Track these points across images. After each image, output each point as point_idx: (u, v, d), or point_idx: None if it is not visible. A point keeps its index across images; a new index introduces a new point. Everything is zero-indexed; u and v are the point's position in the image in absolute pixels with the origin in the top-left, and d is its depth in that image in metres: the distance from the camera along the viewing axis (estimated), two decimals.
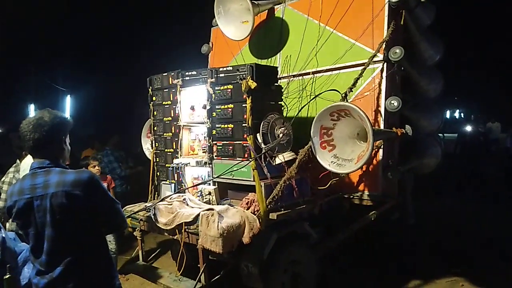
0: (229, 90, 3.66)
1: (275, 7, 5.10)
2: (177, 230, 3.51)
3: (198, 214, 3.39)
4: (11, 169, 4.66)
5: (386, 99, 4.00)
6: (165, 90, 4.33)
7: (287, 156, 3.61)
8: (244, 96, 3.51)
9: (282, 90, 3.99)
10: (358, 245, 4.84)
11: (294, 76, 4.63)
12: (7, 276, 2.08)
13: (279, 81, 4.10)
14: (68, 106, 12.67)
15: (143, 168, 6.02)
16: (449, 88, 5.17)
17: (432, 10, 4.77)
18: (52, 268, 1.93)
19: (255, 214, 3.44)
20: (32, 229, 1.96)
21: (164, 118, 4.38)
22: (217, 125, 3.79)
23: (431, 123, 4.82)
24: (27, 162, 3.75)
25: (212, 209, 3.41)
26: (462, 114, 24.55)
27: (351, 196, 4.21)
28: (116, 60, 11.77)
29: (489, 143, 12.11)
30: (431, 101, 4.96)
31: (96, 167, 4.61)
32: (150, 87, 4.48)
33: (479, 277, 4.38)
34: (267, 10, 5.13)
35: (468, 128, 13.75)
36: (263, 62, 4.96)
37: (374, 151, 3.92)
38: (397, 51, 3.89)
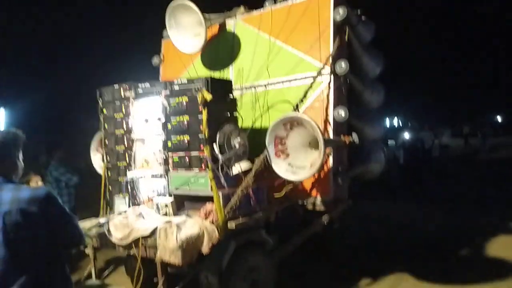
0: (184, 102, 3.69)
1: (227, 21, 5.22)
2: (133, 245, 3.44)
3: (156, 227, 3.36)
4: None
5: (334, 109, 4.25)
6: (116, 102, 4.25)
7: (243, 165, 3.71)
8: (200, 108, 3.56)
9: (237, 102, 4.10)
10: (308, 249, 5.03)
11: (247, 88, 4.75)
12: None
13: (233, 93, 4.20)
14: (1, 119, 11.78)
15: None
16: (389, 97, 5.59)
17: (372, 27, 5.16)
18: None
19: (213, 224, 3.48)
20: None
21: (116, 131, 4.28)
22: (172, 137, 3.80)
23: (375, 131, 5.18)
24: None
25: (170, 221, 3.39)
26: (400, 122, 26.31)
27: (305, 202, 4.39)
28: (57, 71, 11.23)
29: (424, 150, 13.10)
30: (374, 110, 5.33)
31: (39, 182, 4.39)
32: (100, 99, 4.37)
33: (423, 273, 4.71)
34: (218, 24, 5.23)
35: (406, 135, 14.82)
36: (216, 74, 5.04)
37: (325, 158, 4.14)
38: (343, 64, 4.16)
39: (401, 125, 24.46)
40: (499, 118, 31.87)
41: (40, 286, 1.92)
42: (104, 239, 3.67)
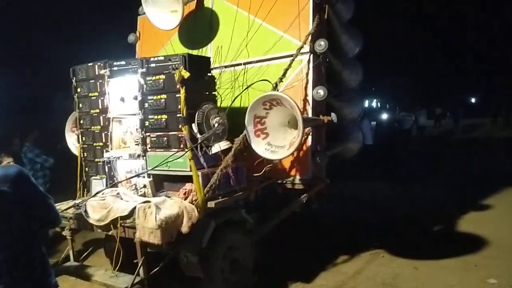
0: (161, 80, 3.61)
1: None
2: (112, 225, 3.40)
3: (135, 207, 3.33)
4: None
5: (313, 88, 4.25)
6: (91, 81, 4.12)
7: (223, 145, 3.68)
8: (178, 86, 3.49)
9: (215, 81, 4.04)
10: (288, 227, 5.12)
11: (226, 67, 4.69)
12: None
13: (211, 71, 4.14)
14: None
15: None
16: (367, 79, 5.63)
17: (352, 6, 5.14)
18: None
19: (193, 204, 3.47)
20: None
21: (91, 111, 4.17)
22: (150, 116, 3.73)
23: (353, 111, 5.23)
24: None
25: (148, 201, 3.37)
26: (378, 104, 26.69)
27: (284, 181, 4.43)
28: (31, 49, 10.74)
29: (403, 131, 13.38)
30: (353, 90, 5.37)
31: (11, 163, 4.24)
32: (74, 78, 4.23)
33: (397, 248, 4.89)
34: (196, 0, 5.09)
35: (384, 116, 15.08)
36: (194, 52, 4.93)
37: (304, 137, 4.16)
38: (322, 43, 4.15)
39: (379, 107, 24.88)
40: (473, 100, 32.80)
41: (17, 263, 1.90)
42: (81, 221, 3.62)
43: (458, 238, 5.39)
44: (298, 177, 4.39)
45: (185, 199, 3.55)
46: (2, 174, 1.84)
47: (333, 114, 4.55)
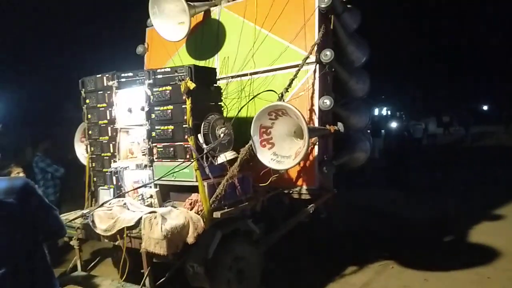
0: (167, 91, 3.65)
1: (211, 9, 5.15)
2: (118, 236, 3.42)
3: (141, 218, 3.34)
4: None
5: (319, 98, 4.25)
6: (99, 92, 4.18)
7: (228, 155, 3.69)
8: (184, 97, 3.52)
9: (221, 91, 4.07)
10: (295, 237, 5.08)
11: (232, 77, 4.72)
12: None
13: (218, 82, 4.17)
14: None
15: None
16: (376, 87, 5.61)
17: (358, 15, 5.15)
18: None
19: (199, 214, 3.47)
20: None
21: (100, 121, 4.23)
22: (156, 127, 3.76)
23: (360, 120, 5.20)
24: None
25: (154, 212, 3.38)
26: (389, 112, 26.50)
27: (291, 191, 4.41)
28: (41, 61, 10.98)
29: (413, 140, 13.23)
30: (360, 99, 5.35)
31: (21, 174, 4.31)
32: (83, 89, 4.30)
33: (407, 259, 4.80)
34: (203, 12, 5.16)
35: (394, 124, 14.96)
36: (201, 63, 4.99)
37: (310, 147, 4.14)
38: (328, 53, 4.15)
39: (389, 115, 24.67)
40: (484, 107, 32.38)
41: (20, 277, 1.89)
42: (89, 231, 3.64)
43: (470, 249, 5.28)
44: (304, 187, 4.37)
45: (191, 209, 3.56)
46: (8, 186, 1.85)
47: (340, 124, 4.53)
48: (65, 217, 3.88)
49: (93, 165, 4.35)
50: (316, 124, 4.30)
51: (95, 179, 4.34)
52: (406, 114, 14.98)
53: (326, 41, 4.33)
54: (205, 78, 3.76)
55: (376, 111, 23.36)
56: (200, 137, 3.56)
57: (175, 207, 3.60)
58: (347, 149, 4.94)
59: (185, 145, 3.61)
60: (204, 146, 3.56)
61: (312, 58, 4.27)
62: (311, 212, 4.40)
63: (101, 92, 4.16)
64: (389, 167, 10.27)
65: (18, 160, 6.01)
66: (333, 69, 4.46)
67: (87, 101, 4.29)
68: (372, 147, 5.73)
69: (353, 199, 7.29)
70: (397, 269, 4.67)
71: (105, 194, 4.16)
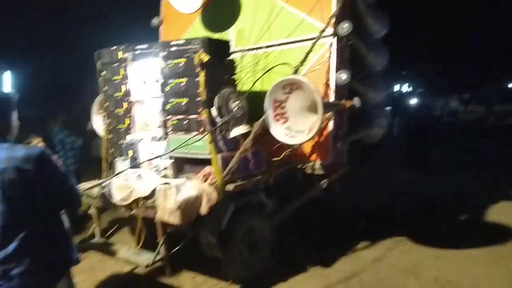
0: (181, 64, 3.64)
1: None
2: (134, 205, 3.52)
3: (155, 188, 3.42)
4: None
5: (335, 72, 4.16)
6: (114, 65, 4.20)
7: (242, 129, 3.70)
8: (198, 70, 3.51)
9: (236, 65, 4.03)
10: (309, 212, 5.12)
11: (247, 50, 4.66)
12: None
13: (232, 55, 4.12)
14: (7, 84, 11.77)
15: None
16: (396, 62, 5.45)
17: None
18: (6, 244, 1.91)
19: (212, 186, 3.53)
20: None
21: (115, 94, 4.27)
22: (170, 100, 3.78)
23: (377, 95, 5.09)
24: None
25: (169, 183, 3.45)
26: (410, 88, 25.82)
27: (304, 166, 4.41)
28: (60, 34, 11.08)
29: (432, 118, 12.90)
30: (378, 74, 5.22)
31: (40, 144, 4.43)
32: (99, 62, 4.33)
33: (420, 237, 4.79)
34: None
35: (413, 101, 14.58)
36: (216, 35, 4.92)
37: (324, 122, 4.11)
38: (345, 25, 4.02)
39: (410, 91, 24.04)
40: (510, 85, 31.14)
41: (39, 241, 1.99)
42: (106, 200, 3.76)
43: (486, 228, 5.21)
44: (318, 162, 4.36)
45: (205, 181, 3.61)
46: (25, 154, 1.92)
47: (356, 99, 4.44)
48: (83, 186, 4.00)
49: (110, 136, 4.44)
50: (332, 99, 4.23)
51: (111, 150, 4.44)
52: (427, 90, 14.55)
53: (343, 13, 4.19)
54: (219, 50, 3.73)
55: (396, 88, 22.81)
56: (214, 110, 3.56)
57: (189, 179, 3.66)
58: (363, 124, 4.87)
59: (199, 118, 3.63)
60: (218, 119, 3.57)
61: (329, 30, 4.15)
62: (324, 187, 4.40)
63: (116, 64, 4.17)
64: (406, 144, 10.11)
65: (38, 131, 6.18)
66: (350, 42, 4.34)
67: (103, 73, 4.32)
68: (391, 124, 5.64)
69: (368, 175, 7.25)
70: (409, 246, 4.67)
71: (121, 165, 4.25)
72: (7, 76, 12.08)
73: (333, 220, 5.53)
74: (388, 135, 5.34)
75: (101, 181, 4.05)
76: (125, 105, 4.20)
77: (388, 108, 12.63)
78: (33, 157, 1.92)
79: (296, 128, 3.72)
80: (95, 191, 3.89)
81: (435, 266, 4.13)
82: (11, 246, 1.91)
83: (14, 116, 2.09)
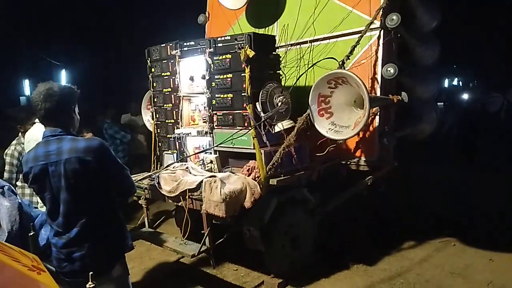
0: (227, 59, 3.70)
1: None
2: (181, 197, 3.65)
3: (201, 181, 3.52)
4: (14, 142, 4.74)
5: (382, 66, 4.05)
6: (163, 61, 4.36)
7: (286, 124, 3.71)
8: (243, 66, 3.56)
9: (280, 59, 4.04)
10: (353, 209, 5.03)
11: (292, 45, 4.64)
12: (32, 234, 2.25)
13: (277, 50, 4.13)
14: (63, 81, 12.58)
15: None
16: (447, 56, 5.17)
17: None
18: (69, 229, 2.07)
19: (256, 181, 3.57)
20: (48, 193, 2.08)
21: (164, 89, 4.43)
22: (216, 95, 3.86)
23: (427, 90, 4.87)
24: (31, 134, 3.83)
25: (214, 176, 3.54)
26: (460, 83, 24.42)
27: (348, 162, 4.34)
28: (112, 32, 11.63)
29: (488, 114, 12.10)
30: (428, 68, 4.99)
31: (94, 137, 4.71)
32: (149, 59, 4.51)
33: (471, 239, 4.57)
34: None
35: (466, 96, 13.76)
36: (261, 31, 4.95)
37: (370, 117, 4.00)
38: (394, 17, 3.90)
39: (461, 86, 22.74)
40: None
41: (98, 227, 2.14)
42: (155, 191, 3.92)
43: None
44: (363, 158, 4.27)
45: (249, 175, 3.67)
46: (86, 145, 2.06)
47: (403, 93, 4.30)
48: (134, 178, 4.19)
49: (158, 131, 4.62)
50: (378, 94, 4.12)
51: (160, 144, 4.62)
52: (482, 84, 13.63)
53: (392, 4, 4.05)
54: (264, 46, 3.75)
55: (446, 82, 21.66)
56: (258, 105, 3.60)
57: (233, 173, 3.73)
58: (411, 120, 4.69)
59: (244, 113, 3.69)
60: (262, 114, 3.60)
61: (377, 23, 4.04)
62: (368, 184, 4.31)
63: (165, 61, 4.33)
64: (459, 142, 9.60)
65: (88, 126, 6.56)
66: (399, 35, 4.19)
67: (153, 70, 4.50)
68: (443, 120, 5.37)
69: (416, 173, 6.98)
70: (459, 247, 4.47)
71: (169, 158, 4.43)
72: (63, 73, 12.94)
73: (378, 217, 5.40)
74: (438, 132, 5.07)
75: (150, 173, 4.23)
76: (173, 100, 4.35)
77: (440, 103, 12.02)
78: (93, 148, 2.06)
79: (341, 124, 3.67)
80: (145, 182, 4.07)
81: (488, 269, 3.93)
82: (73, 231, 2.07)
83: (76, 109, 2.24)
